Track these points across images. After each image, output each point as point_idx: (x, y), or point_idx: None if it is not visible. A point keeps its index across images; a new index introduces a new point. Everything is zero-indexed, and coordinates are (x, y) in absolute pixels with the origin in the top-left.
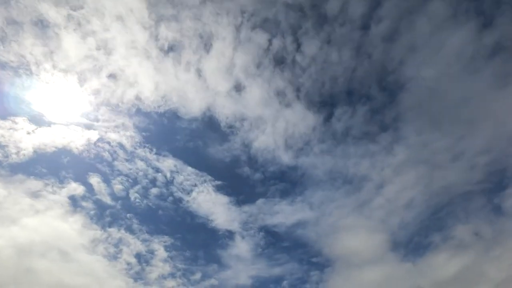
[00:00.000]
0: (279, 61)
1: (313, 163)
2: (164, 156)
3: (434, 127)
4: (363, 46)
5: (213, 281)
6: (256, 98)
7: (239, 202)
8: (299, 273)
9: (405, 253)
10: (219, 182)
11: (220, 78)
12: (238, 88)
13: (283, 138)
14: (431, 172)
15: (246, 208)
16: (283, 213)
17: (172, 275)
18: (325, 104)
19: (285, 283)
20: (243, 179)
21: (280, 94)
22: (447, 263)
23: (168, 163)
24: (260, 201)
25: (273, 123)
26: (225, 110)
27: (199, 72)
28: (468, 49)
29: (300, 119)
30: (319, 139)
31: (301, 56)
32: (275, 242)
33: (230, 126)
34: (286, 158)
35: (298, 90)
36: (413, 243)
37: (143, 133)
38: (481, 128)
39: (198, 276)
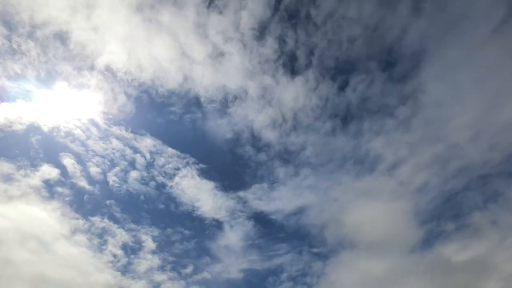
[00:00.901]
0: (290, 17)
1: (318, 142)
2: (142, 135)
3: (456, 100)
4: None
5: (205, 274)
6: (239, 67)
7: (226, 188)
8: (298, 265)
9: (416, 242)
10: (203, 165)
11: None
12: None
13: (280, 113)
14: (448, 151)
15: (235, 194)
16: (282, 199)
17: (162, 268)
18: (340, 70)
19: (283, 276)
20: (233, 162)
21: (278, 60)
22: (459, 253)
23: (146, 143)
24: (254, 186)
25: (269, 95)
26: (205, 80)
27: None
28: (497, 13)
29: (305, 90)
30: (326, 114)
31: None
32: (271, 231)
33: (212, 101)
34: (285, 136)
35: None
36: (425, 231)
37: (117, 109)
38: (505, 104)
39: (189, 269)
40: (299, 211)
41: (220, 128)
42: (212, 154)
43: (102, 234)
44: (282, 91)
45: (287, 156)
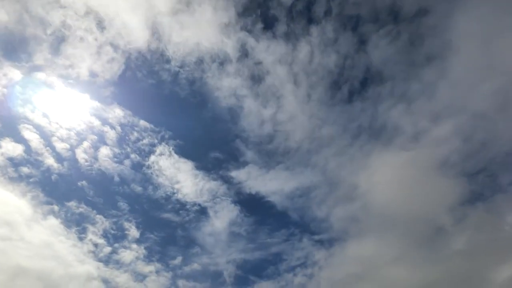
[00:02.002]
0: None
1: (326, 114)
2: (109, 104)
3: (488, 62)
4: None
5: (194, 266)
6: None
7: (209, 168)
8: (298, 254)
9: (428, 231)
10: (180, 141)
11: None
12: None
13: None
14: (473, 122)
15: (218, 174)
16: (279, 179)
17: (148, 259)
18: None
19: (280, 266)
20: (218, 136)
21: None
22: (475, 240)
23: (115, 114)
24: (245, 165)
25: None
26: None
27: None
28: None
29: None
30: (339, 80)
31: None
32: (264, 218)
33: (183, 65)
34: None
35: None
36: (440, 218)
37: (78, 73)
38: None
39: (174, 259)
40: (300, 193)
41: (199, 96)
42: (190, 128)
43: (80, 221)
44: (263, 51)
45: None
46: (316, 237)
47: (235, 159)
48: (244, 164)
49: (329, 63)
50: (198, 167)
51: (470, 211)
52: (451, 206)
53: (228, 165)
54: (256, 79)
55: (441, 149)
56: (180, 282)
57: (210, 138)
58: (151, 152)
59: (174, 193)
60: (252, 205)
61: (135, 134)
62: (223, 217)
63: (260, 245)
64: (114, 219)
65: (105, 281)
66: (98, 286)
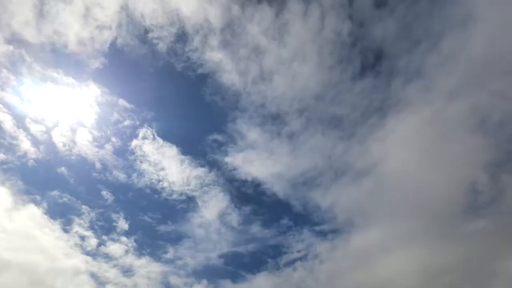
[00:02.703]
0: None
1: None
2: (84, 81)
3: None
4: None
5: (187, 259)
6: None
7: (195, 152)
8: (298, 247)
9: (446, 210)
10: (163, 123)
11: None
12: None
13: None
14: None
15: (205, 160)
16: (276, 165)
17: (140, 252)
18: None
19: (278, 260)
20: (203, 120)
21: None
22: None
23: (92, 92)
24: (238, 151)
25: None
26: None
27: None
28: None
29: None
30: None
31: None
32: (261, 207)
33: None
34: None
35: None
36: (453, 206)
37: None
38: None
39: (162, 252)
40: (302, 179)
41: (181, 72)
42: (173, 108)
43: (65, 212)
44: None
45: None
46: (318, 228)
47: (227, 143)
48: (237, 148)
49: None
50: (184, 152)
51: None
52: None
53: (218, 149)
54: (247, 51)
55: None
56: (172, 278)
57: (198, 119)
58: (133, 135)
59: (160, 181)
60: (248, 194)
61: (115, 115)
62: (214, 207)
63: (256, 237)
64: (100, 210)
65: (94, 275)
66: (86, 280)
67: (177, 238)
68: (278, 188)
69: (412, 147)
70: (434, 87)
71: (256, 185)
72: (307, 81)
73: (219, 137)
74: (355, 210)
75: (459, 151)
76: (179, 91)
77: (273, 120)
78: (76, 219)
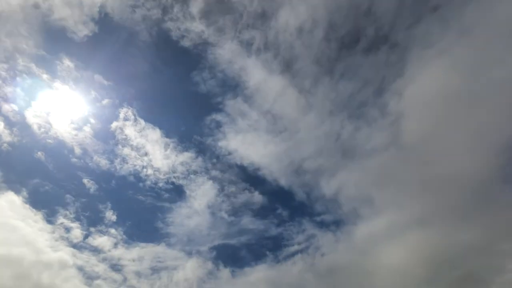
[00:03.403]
0: None
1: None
2: (54, 54)
3: None
4: None
5: (175, 253)
6: None
7: (182, 137)
8: (298, 239)
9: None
10: (145, 104)
11: None
12: None
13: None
14: None
15: (195, 144)
16: (275, 149)
17: (129, 244)
18: None
19: (276, 252)
20: (188, 98)
21: None
22: None
23: (63, 66)
24: (229, 134)
25: None
26: None
27: None
28: None
29: None
30: None
31: None
32: (258, 195)
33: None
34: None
35: None
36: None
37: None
38: None
39: (160, 247)
40: (304, 165)
41: (161, 45)
42: (155, 85)
43: (48, 202)
44: None
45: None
46: (320, 218)
47: (219, 125)
48: (232, 130)
49: None
50: (168, 135)
51: None
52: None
53: (209, 132)
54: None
55: None
56: (163, 272)
57: (183, 98)
58: (114, 116)
59: (144, 168)
60: (243, 181)
61: (92, 93)
62: (203, 196)
63: (251, 229)
64: (84, 199)
65: (81, 269)
66: (74, 274)
67: (167, 229)
68: (278, 175)
69: (432, 108)
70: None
71: (253, 171)
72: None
73: (211, 119)
74: (364, 195)
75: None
76: (162, 68)
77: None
78: (61, 210)
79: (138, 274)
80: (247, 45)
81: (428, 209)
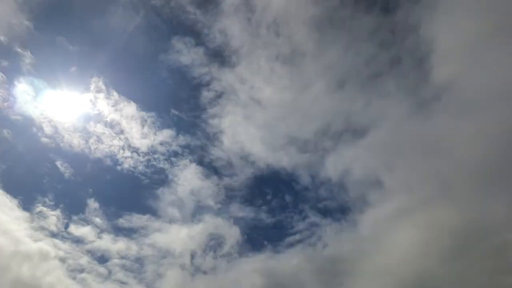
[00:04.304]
0: None
1: None
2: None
3: None
4: None
5: (162, 244)
6: None
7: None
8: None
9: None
10: (118, 73)
11: None
12: None
13: None
14: None
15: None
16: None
17: (115, 234)
18: None
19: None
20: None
21: None
22: None
23: (20, 27)
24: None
25: None
26: None
27: None
28: None
29: None
30: None
31: None
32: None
33: None
34: None
35: None
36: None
37: None
38: None
39: (148, 238)
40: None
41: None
42: (129, 53)
43: (23, 189)
44: None
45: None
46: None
47: (202, 98)
48: (216, 104)
49: None
50: (145, 109)
51: None
52: None
53: (190, 107)
54: None
55: None
56: (150, 266)
57: (161, 67)
58: (84, 88)
59: (121, 149)
60: (234, 162)
61: (58, 59)
62: (188, 181)
63: (244, 217)
64: (60, 185)
65: (64, 261)
66: (56, 266)
67: (153, 217)
68: (276, 156)
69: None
70: None
71: (246, 151)
72: None
73: (195, 91)
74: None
75: None
76: (138, 32)
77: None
78: (38, 197)
79: (124, 266)
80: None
81: (448, 177)
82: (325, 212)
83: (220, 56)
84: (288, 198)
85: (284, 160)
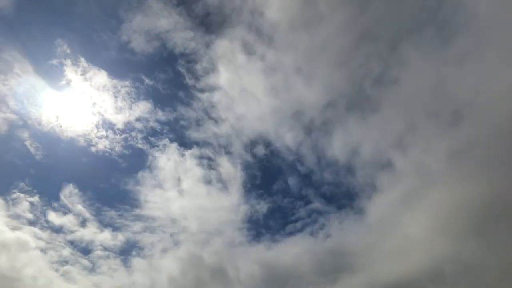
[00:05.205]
0: None
1: None
2: None
3: None
4: None
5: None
6: None
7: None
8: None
9: None
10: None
11: None
12: None
13: None
14: None
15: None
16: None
17: (101, 224)
18: None
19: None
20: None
21: None
22: None
23: None
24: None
25: None
26: None
27: None
28: None
29: None
30: None
31: None
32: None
33: None
34: None
35: None
36: None
37: None
38: None
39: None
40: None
41: None
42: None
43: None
44: None
45: None
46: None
47: (184, 61)
48: (205, 70)
49: None
50: (117, 77)
51: None
52: None
53: (171, 74)
54: None
55: None
56: (135, 261)
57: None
58: (49, 53)
59: (96, 126)
60: (224, 142)
61: (18, 21)
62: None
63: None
64: (33, 170)
65: (45, 251)
66: (37, 257)
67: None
68: (277, 133)
69: None
70: None
71: (240, 127)
72: None
73: (174, 53)
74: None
75: None
76: None
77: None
78: (13, 182)
79: (108, 257)
80: None
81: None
82: (330, 198)
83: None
84: (290, 183)
85: (287, 137)
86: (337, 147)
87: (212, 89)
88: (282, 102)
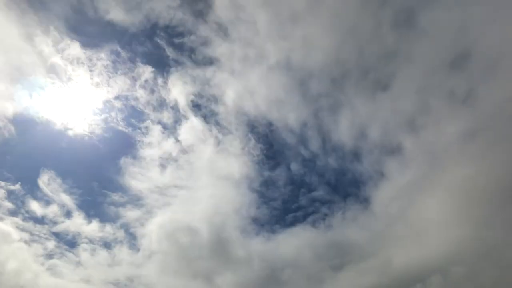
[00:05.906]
0: None
1: None
2: None
3: None
4: None
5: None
6: None
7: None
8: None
9: None
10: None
11: None
12: None
13: None
14: None
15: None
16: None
17: (88, 214)
18: None
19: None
20: None
21: None
22: None
23: None
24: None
25: None
26: None
27: None
28: None
29: None
30: None
31: None
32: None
33: None
34: None
35: None
36: None
37: None
38: None
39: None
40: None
41: None
42: None
43: None
44: None
45: None
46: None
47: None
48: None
49: None
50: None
51: None
52: None
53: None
54: None
55: None
56: (121, 252)
57: None
58: (18, 24)
59: (75, 108)
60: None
61: None
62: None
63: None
64: (9, 157)
65: (29, 244)
66: (22, 250)
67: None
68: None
69: None
70: None
71: (235, 103)
72: None
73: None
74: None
75: None
76: None
77: None
78: None
79: (95, 249)
80: None
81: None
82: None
83: None
84: (293, 169)
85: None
86: (343, 128)
87: (210, 62)
88: (286, 76)
